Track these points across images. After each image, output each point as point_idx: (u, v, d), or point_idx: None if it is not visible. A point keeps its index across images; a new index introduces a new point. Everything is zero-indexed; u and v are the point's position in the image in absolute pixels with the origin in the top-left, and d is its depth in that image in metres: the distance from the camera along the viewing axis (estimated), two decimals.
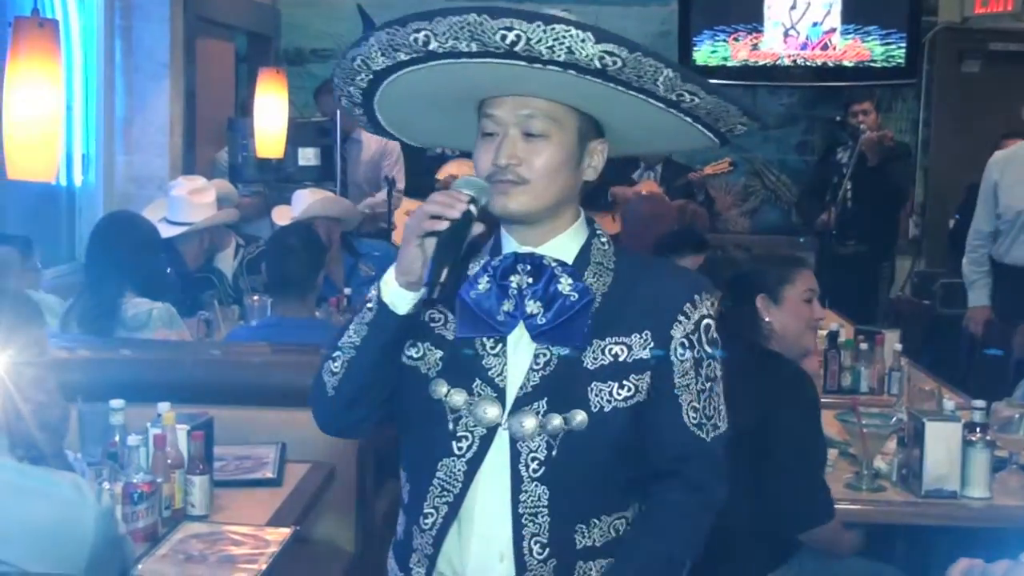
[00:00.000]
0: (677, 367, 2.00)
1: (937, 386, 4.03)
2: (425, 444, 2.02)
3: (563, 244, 2.02)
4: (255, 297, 4.90)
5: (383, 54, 1.92)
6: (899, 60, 7.94)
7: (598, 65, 1.83)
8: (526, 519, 1.96)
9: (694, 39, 8.08)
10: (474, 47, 1.84)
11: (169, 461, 2.93)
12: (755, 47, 8.08)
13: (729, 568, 3.31)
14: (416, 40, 1.86)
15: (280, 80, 6.12)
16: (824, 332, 4.59)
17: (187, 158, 6.39)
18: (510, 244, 2.04)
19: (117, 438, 3.03)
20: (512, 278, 2.00)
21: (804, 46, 8.03)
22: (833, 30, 7.98)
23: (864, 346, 4.54)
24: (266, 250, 4.97)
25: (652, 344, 1.99)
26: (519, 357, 2.00)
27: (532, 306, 1.98)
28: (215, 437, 3.15)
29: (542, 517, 1.96)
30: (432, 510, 2.00)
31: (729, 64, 8.09)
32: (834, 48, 8.00)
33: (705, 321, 2.01)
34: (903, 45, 7.92)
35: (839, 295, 6.38)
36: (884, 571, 3.45)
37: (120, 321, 4.13)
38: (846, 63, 7.99)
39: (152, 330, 4.11)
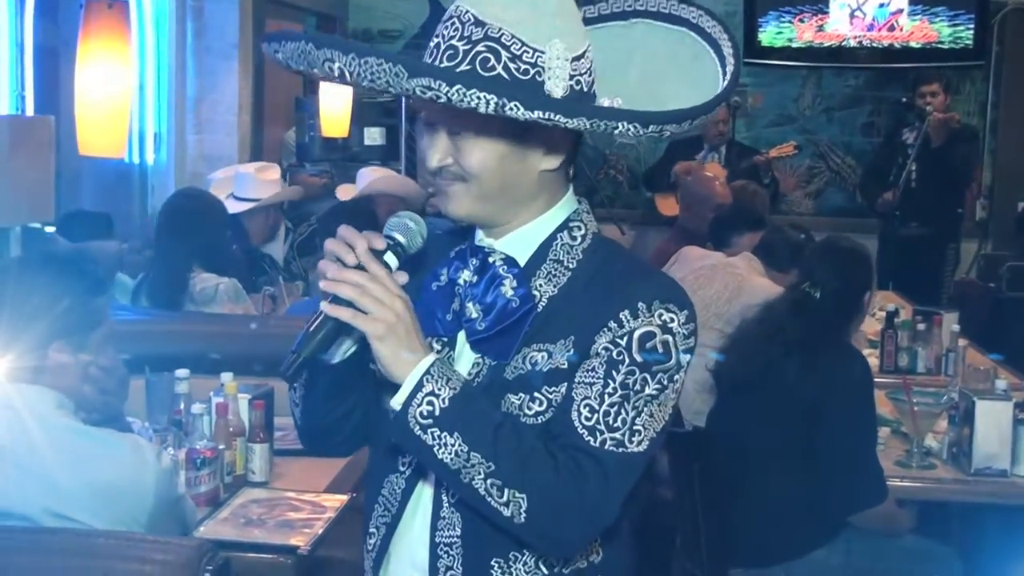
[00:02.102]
0: (585, 364, 1.72)
1: (993, 366, 4.04)
2: (377, 457, 1.89)
3: (523, 238, 1.80)
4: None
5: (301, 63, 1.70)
6: (967, 41, 7.87)
7: (422, 96, 1.59)
8: (442, 549, 1.77)
9: (759, 20, 8.06)
10: (312, 72, 1.68)
11: (231, 429, 3.03)
12: (820, 28, 8.04)
13: (777, 544, 3.36)
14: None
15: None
16: (883, 312, 4.62)
17: (255, 137, 6.51)
18: (477, 234, 1.84)
19: (182, 406, 3.14)
20: (462, 274, 1.80)
21: (870, 27, 7.99)
22: (900, 11, 7.92)
23: (922, 327, 4.55)
24: (318, 228, 5.07)
25: (571, 351, 1.73)
26: (462, 365, 1.79)
27: (472, 309, 1.78)
28: (275, 408, 3.24)
29: (456, 548, 1.77)
30: (374, 530, 1.86)
31: (794, 45, 8.07)
32: (901, 29, 7.95)
33: (644, 331, 1.70)
34: (971, 26, 7.84)
35: (902, 277, 6.38)
36: (936, 550, 3.48)
37: (188, 295, 4.24)
38: (913, 44, 7.93)
39: (219, 304, 4.22)
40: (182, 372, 3.20)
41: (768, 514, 3.36)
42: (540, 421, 1.72)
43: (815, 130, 8.53)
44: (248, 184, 5.26)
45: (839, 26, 8.01)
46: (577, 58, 1.71)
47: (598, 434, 1.69)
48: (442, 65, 1.66)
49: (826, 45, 8.06)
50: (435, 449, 1.64)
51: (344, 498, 2.94)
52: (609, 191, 8.64)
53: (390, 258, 1.70)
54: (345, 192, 5.62)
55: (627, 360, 1.70)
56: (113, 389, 2.50)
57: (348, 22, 8.41)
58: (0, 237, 4.71)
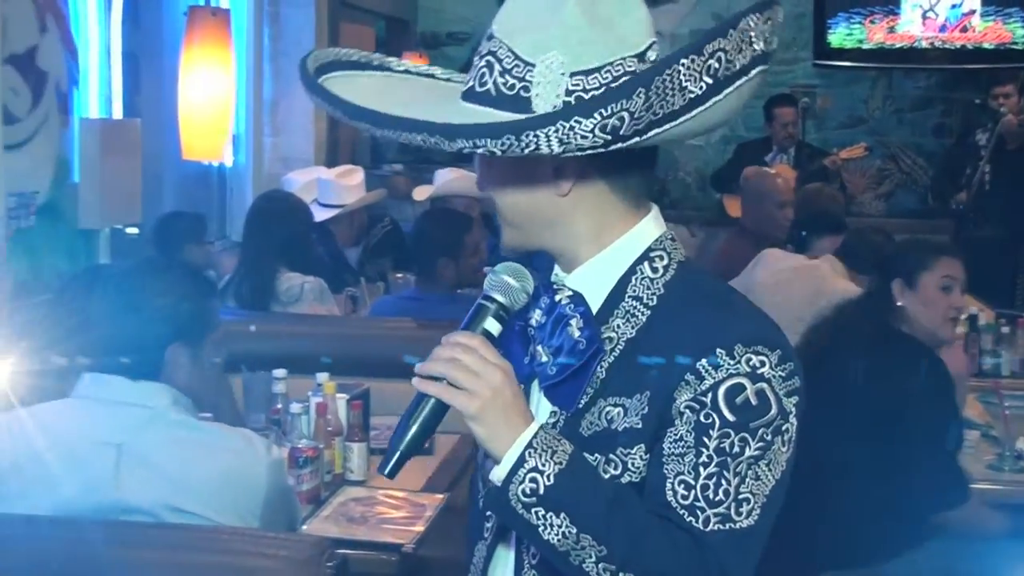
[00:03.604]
0: (671, 432, 1.54)
1: None
2: (472, 518, 1.77)
3: (594, 272, 1.64)
4: (399, 275, 5.04)
5: None
6: None
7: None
8: None
9: (829, 22, 8.04)
10: None
11: (329, 428, 3.08)
12: (892, 30, 8.01)
13: (862, 548, 3.35)
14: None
15: (422, 64, 6.25)
16: (964, 316, 4.60)
17: (330, 139, 6.58)
18: (554, 268, 1.70)
19: (279, 405, 3.20)
20: (534, 315, 1.63)
21: (942, 28, 7.94)
22: (972, 12, 7.87)
23: (1006, 330, 4.53)
24: (391, 229, 5.12)
25: (646, 409, 1.55)
26: (540, 415, 1.63)
27: (542, 352, 1.62)
28: (371, 408, 3.29)
29: None
30: None
31: (864, 47, 8.04)
32: (973, 30, 7.89)
33: (731, 384, 1.52)
34: None
35: (975, 279, 6.31)
36: None
37: (274, 295, 4.31)
38: (986, 45, 7.88)
39: (304, 304, 4.28)
40: (279, 372, 3.26)
41: (850, 518, 3.36)
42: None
43: (885, 131, 8.49)
44: (331, 190, 5.32)
45: (911, 27, 7.98)
46: (583, 72, 1.54)
47: (699, 512, 1.51)
48: (467, 82, 1.61)
49: (897, 46, 8.02)
50: (540, 530, 1.50)
51: (441, 497, 2.98)
52: (678, 193, 8.64)
53: (491, 324, 1.57)
54: (422, 193, 5.67)
55: (717, 422, 1.52)
56: (223, 388, 2.56)
57: (417, 25, 8.46)
58: (89, 239, 4.81)
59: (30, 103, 4.36)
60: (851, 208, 7.77)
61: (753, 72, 1.54)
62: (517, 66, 1.55)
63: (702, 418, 1.52)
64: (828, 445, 3.40)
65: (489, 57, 1.58)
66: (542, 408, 1.63)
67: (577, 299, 1.61)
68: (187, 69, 3.12)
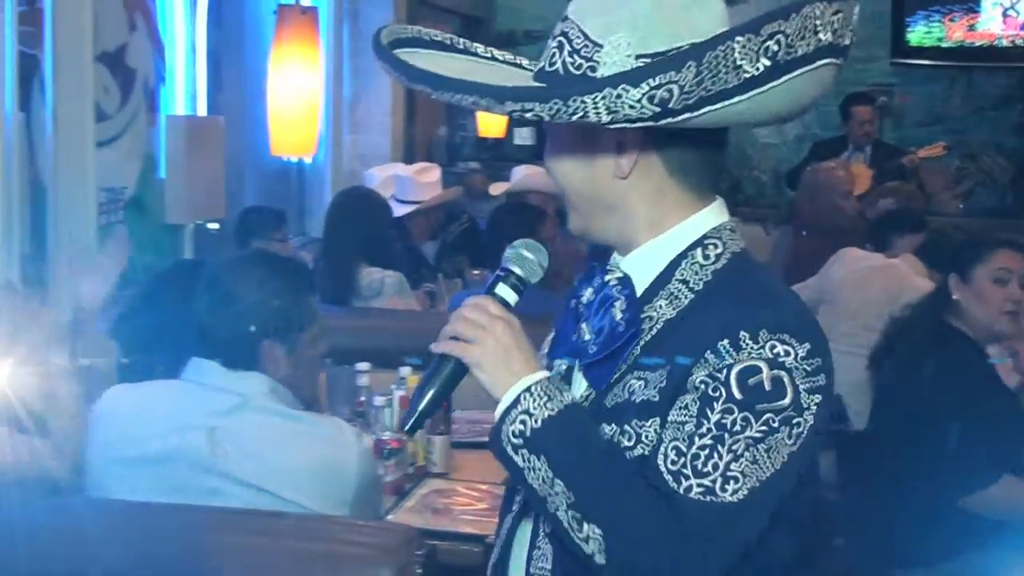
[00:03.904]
0: (679, 400, 1.55)
1: None
2: (504, 499, 1.81)
3: (648, 256, 1.65)
4: (475, 271, 5.09)
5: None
6: None
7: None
8: None
9: (907, 20, 7.98)
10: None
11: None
12: (971, 28, 7.93)
13: (936, 544, 3.34)
14: None
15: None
16: None
17: (407, 137, 6.64)
18: (613, 252, 1.72)
19: (363, 398, 3.25)
20: (585, 294, 1.70)
21: None
22: None
23: None
24: (468, 226, 5.15)
25: (664, 383, 1.57)
26: (577, 390, 1.68)
27: (585, 330, 1.67)
28: (452, 402, 3.33)
29: None
30: (490, 571, 1.80)
31: (944, 45, 7.97)
32: None
33: (747, 365, 1.52)
34: None
35: None
36: None
37: (355, 290, 4.37)
38: None
39: (385, 298, 4.34)
40: (363, 365, 3.31)
41: (921, 513, 3.36)
42: (632, 458, 1.56)
43: (964, 130, 8.40)
44: (409, 186, 5.37)
45: (991, 25, 7.89)
46: (649, 56, 1.54)
47: (683, 479, 1.51)
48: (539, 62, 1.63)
49: (977, 44, 7.94)
50: (524, 472, 1.55)
51: None
52: (753, 191, 8.62)
53: (504, 291, 1.65)
54: (498, 189, 5.71)
55: (724, 396, 1.52)
56: (315, 381, 2.62)
57: (495, 23, 8.51)
58: (174, 234, 4.91)
59: (119, 100, 4.46)
60: (929, 207, 7.69)
61: (818, 63, 1.52)
62: (586, 46, 1.57)
63: (710, 391, 1.52)
64: (900, 442, 3.40)
65: (560, 37, 1.60)
66: (578, 384, 1.68)
67: (625, 282, 1.64)
68: (276, 66, 3.18)
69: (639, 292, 1.63)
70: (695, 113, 1.49)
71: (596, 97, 1.47)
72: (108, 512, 2.36)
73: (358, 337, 3.65)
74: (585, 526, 1.52)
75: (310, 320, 2.49)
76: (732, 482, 1.50)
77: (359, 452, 2.41)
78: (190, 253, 4.95)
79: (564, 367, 1.70)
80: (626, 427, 1.58)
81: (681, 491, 1.50)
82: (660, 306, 1.61)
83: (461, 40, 1.80)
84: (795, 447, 1.52)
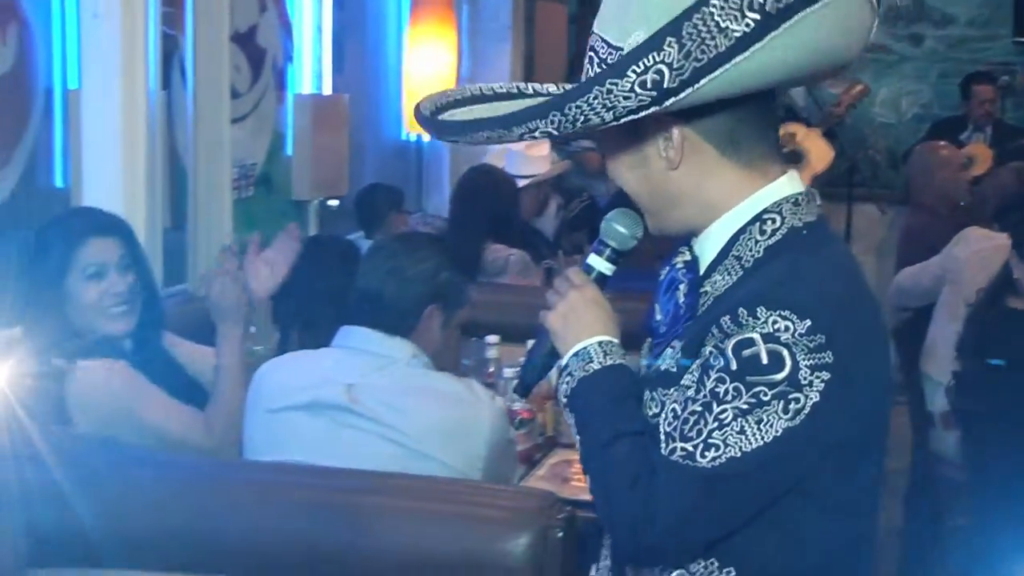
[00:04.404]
0: (689, 371, 1.61)
1: None
2: None
3: (713, 235, 1.67)
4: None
5: None
6: None
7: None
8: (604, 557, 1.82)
9: None
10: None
11: (542, 392, 3.19)
12: None
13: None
14: None
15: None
16: None
17: None
18: None
19: (492, 369, 3.33)
20: (663, 274, 1.78)
21: None
22: None
23: None
24: (589, 204, 5.18)
25: (680, 354, 1.63)
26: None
27: (657, 310, 1.76)
28: None
29: (605, 556, 1.82)
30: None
31: None
32: None
33: (742, 338, 1.53)
34: None
35: None
36: None
37: (480, 267, 4.44)
38: None
39: (508, 275, 4.41)
40: (492, 338, 3.39)
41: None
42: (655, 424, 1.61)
43: None
44: (519, 161, 5.42)
45: None
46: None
47: (670, 441, 1.55)
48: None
49: None
50: (571, 428, 1.68)
51: None
52: (868, 172, 8.53)
53: (597, 262, 1.74)
54: None
55: (719, 365, 1.54)
56: (455, 358, 2.74)
57: None
58: (300, 210, 5.03)
59: (250, 79, 4.58)
60: None
61: (819, 3, 1.48)
62: (610, 53, 1.57)
63: (711, 360, 1.56)
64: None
65: (589, 52, 1.62)
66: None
67: (690, 265, 1.69)
68: (413, 44, 3.25)
69: (702, 270, 1.67)
70: (696, 86, 1.48)
71: (588, 99, 1.49)
72: (259, 470, 2.47)
73: (488, 311, 3.73)
74: (589, 480, 1.63)
75: (465, 300, 2.66)
76: (712, 449, 1.52)
77: (491, 412, 2.52)
78: (315, 229, 5.06)
79: (648, 343, 1.78)
80: (653, 394, 1.64)
81: (666, 453, 1.55)
82: (715, 282, 1.64)
83: (503, 85, 1.82)
84: (794, 423, 1.52)
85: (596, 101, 1.49)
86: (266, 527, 2.26)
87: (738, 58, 1.47)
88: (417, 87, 3.24)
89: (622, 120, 1.51)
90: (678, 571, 1.63)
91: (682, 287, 1.69)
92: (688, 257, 1.70)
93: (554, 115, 1.52)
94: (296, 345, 3.10)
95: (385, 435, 2.47)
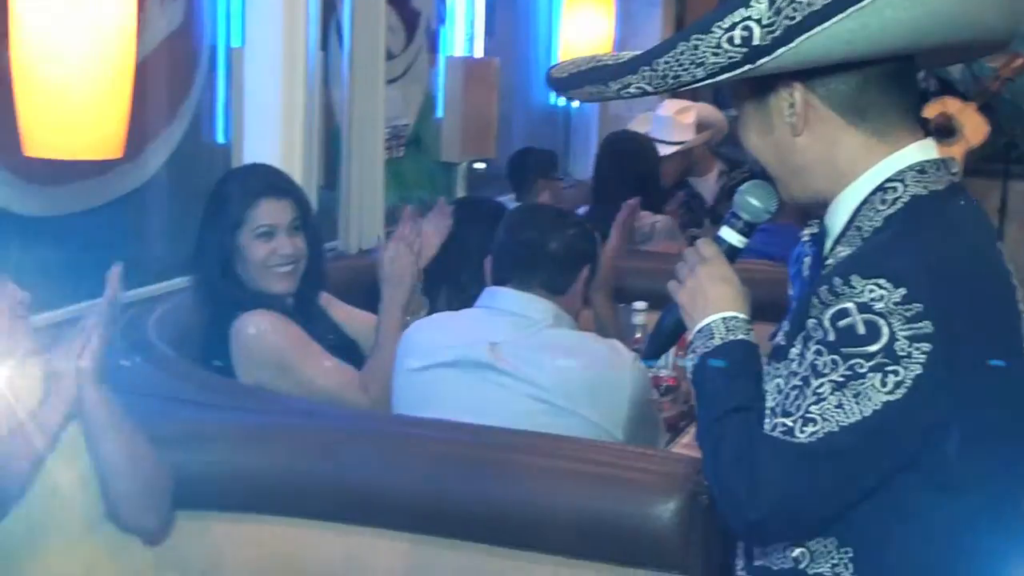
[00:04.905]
0: (795, 345, 1.59)
1: None
2: None
3: (839, 208, 1.64)
4: None
5: None
6: None
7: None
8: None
9: None
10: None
11: None
12: None
13: None
14: None
15: None
16: None
17: None
18: None
19: (639, 335, 3.34)
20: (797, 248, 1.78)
21: None
22: None
23: None
24: (748, 175, 5.13)
25: (788, 328, 1.64)
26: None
27: (790, 285, 1.77)
28: None
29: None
30: None
31: None
32: None
33: (839, 308, 1.49)
34: None
35: None
36: None
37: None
38: None
39: (655, 242, 4.40)
40: (640, 304, 3.40)
41: None
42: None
43: None
44: (666, 126, 5.39)
45: None
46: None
47: (773, 417, 1.54)
48: None
49: None
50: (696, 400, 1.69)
51: None
52: None
53: (728, 234, 1.73)
54: None
55: (818, 337, 1.51)
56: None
57: None
58: (448, 172, 5.09)
59: (404, 41, 4.65)
60: None
61: None
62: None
63: (811, 332, 1.53)
64: None
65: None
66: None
67: (816, 239, 1.69)
68: (570, 9, 3.25)
69: (830, 243, 1.64)
70: (791, 45, 1.44)
71: (676, 54, 1.47)
72: (407, 424, 2.53)
73: (635, 278, 3.74)
74: (702, 455, 1.63)
75: (599, 266, 2.77)
76: (810, 424, 1.49)
77: (634, 372, 2.55)
78: (462, 191, 5.12)
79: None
80: (768, 369, 1.64)
81: (768, 429, 1.53)
82: (837, 254, 1.60)
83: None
84: (894, 396, 1.47)
85: (684, 57, 1.46)
86: (412, 481, 2.31)
87: (837, 17, 1.43)
88: (571, 51, 3.25)
89: (717, 79, 1.49)
90: (800, 549, 1.61)
91: (807, 260, 1.70)
92: (815, 230, 1.70)
93: (644, 71, 1.51)
94: (444, 305, 3.15)
95: (529, 392, 2.51)
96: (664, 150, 5.28)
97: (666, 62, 1.48)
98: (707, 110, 5.80)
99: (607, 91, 1.58)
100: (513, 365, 2.53)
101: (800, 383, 1.52)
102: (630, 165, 4.56)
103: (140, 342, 2.76)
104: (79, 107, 2.39)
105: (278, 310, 2.84)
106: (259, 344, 2.78)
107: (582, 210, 4.61)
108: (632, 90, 1.55)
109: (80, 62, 2.37)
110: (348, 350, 2.96)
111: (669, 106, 5.50)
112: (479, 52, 5.21)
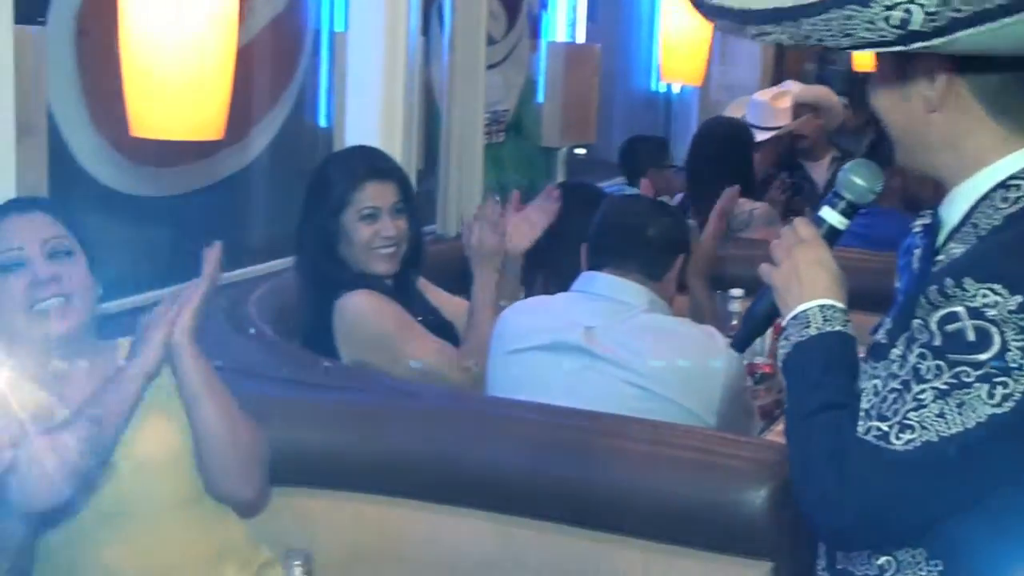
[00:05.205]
0: (899, 341, 1.52)
1: None
2: None
3: (958, 199, 1.57)
4: None
5: None
6: None
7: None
8: None
9: None
10: None
11: None
12: None
13: None
14: None
15: None
16: None
17: (776, 70, 6.60)
18: None
19: (735, 322, 3.33)
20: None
21: None
22: None
23: None
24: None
25: (890, 324, 1.58)
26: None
27: (897, 276, 1.69)
28: None
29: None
30: None
31: None
32: None
33: (947, 312, 1.42)
34: None
35: None
36: None
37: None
38: None
39: (753, 229, 4.36)
40: (736, 291, 3.39)
41: None
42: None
43: None
44: (762, 111, 5.34)
45: None
46: None
47: (867, 419, 1.46)
48: None
49: None
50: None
51: None
52: None
53: (829, 215, 1.65)
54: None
55: (923, 340, 1.44)
56: None
57: None
58: (548, 157, 5.11)
59: (505, 26, 4.67)
60: None
61: None
62: None
63: (916, 333, 1.45)
64: None
65: None
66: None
67: (928, 229, 1.61)
68: None
69: (943, 236, 1.57)
70: (948, 37, 1.36)
71: (826, 18, 1.39)
72: (503, 406, 2.55)
73: (733, 265, 3.73)
74: (789, 450, 1.57)
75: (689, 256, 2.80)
76: (907, 431, 1.43)
77: (729, 359, 2.54)
78: (562, 176, 5.13)
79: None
80: (865, 367, 1.56)
81: (861, 431, 1.46)
82: (950, 250, 1.52)
83: None
84: (1000, 410, 1.40)
85: (833, 23, 1.39)
86: (505, 462, 2.33)
87: (1007, 20, 1.35)
88: (672, 36, 3.25)
89: (860, 50, 1.43)
90: (886, 557, 1.55)
91: (917, 252, 1.63)
92: (928, 220, 1.63)
93: (787, 24, 1.44)
94: (541, 290, 3.17)
95: (623, 376, 2.52)
96: (759, 136, 5.23)
97: (812, 23, 1.41)
98: (822, 92, 5.71)
99: (741, 31, 1.52)
100: (607, 349, 2.54)
101: (900, 387, 1.45)
102: (725, 152, 4.52)
103: (241, 321, 2.82)
104: (182, 91, 2.46)
105: (379, 290, 2.89)
106: (361, 323, 2.83)
107: (678, 197, 4.61)
108: (768, 39, 1.50)
109: (183, 49, 2.43)
110: (444, 331, 2.99)
111: (765, 91, 5.45)
112: (581, 38, 5.22)
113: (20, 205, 2.18)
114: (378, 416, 2.45)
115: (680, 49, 3.46)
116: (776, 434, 2.92)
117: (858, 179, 1.65)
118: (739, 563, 2.17)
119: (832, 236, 1.65)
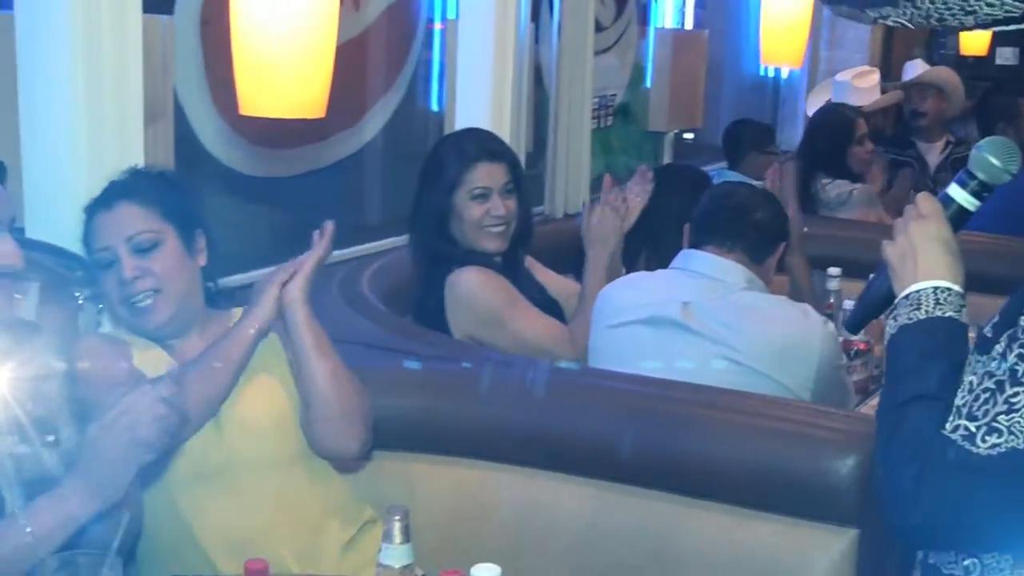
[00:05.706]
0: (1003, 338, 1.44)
1: None
2: None
3: None
4: None
5: None
6: None
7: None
8: None
9: None
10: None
11: (880, 324, 3.21)
12: None
13: None
14: None
15: None
16: None
17: (884, 54, 6.57)
18: None
19: (832, 300, 3.39)
20: None
21: None
22: None
23: None
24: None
25: (998, 319, 1.49)
26: None
27: None
28: None
29: None
30: None
31: None
32: None
33: None
34: None
35: None
36: None
37: (821, 201, 4.45)
38: None
39: (851, 209, 4.40)
40: (834, 270, 3.44)
41: None
42: None
43: None
44: (845, 91, 5.32)
45: None
46: None
47: (957, 416, 1.40)
48: None
49: None
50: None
51: None
52: None
53: (958, 193, 1.57)
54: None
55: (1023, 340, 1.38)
56: None
57: None
58: (655, 141, 5.18)
59: (614, 13, 4.75)
60: None
61: None
62: None
63: (1019, 332, 1.40)
64: None
65: None
66: None
67: None
68: None
69: None
70: None
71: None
72: (599, 376, 2.64)
73: (830, 245, 3.77)
74: (876, 435, 1.53)
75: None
76: (995, 435, 1.37)
77: (823, 335, 2.61)
78: (668, 159, 5.20)
79: None
80: (970, 358, 1.50)
81: (949, 429, 1.41)
82: None
83: None
84: None
85: (953, 1, 1.38)
86: (599, 430, 2.39)
87: None
88: (774, 20, 3.30)
89: (984, 28, 1.43)
90: (972, 559, 1.50)
91: None
92: None
93: (906, 5, 1.44)
94: (643, 267, 3.25)
95: (719, 352, 2.60)
96: None
97: (932, 2, 1.41)
98: (948, 75, 5.63)
99: (863, 16, 1.52)
100: (705, 325, 2.62)
101: (993, 387, 1.40)
102: (819, 135, 4.57)
103: (354, 295, 2.94)
104: (287, 73, 2.58)
105: (488, 267, 2.98)
106: (472, 298, 2.92)
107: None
108: (889, 22, 1.49)
109: (287, 35, 2.55)
110: (550, 309, 3.08)
111: (848, 71, 5.42)
112: (689, 24, 5.28)
113: (106, 200, 2.21)
114: (478, 385, 2.50)
115: (780, 32, 3.52)
116: (870, 407, 2.95)
117: (994, 159, 1.56)
118: (827, 529, 2.22)
119: (960, 217, 1.57)
